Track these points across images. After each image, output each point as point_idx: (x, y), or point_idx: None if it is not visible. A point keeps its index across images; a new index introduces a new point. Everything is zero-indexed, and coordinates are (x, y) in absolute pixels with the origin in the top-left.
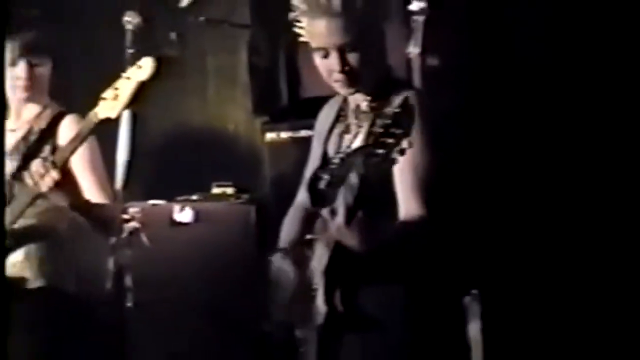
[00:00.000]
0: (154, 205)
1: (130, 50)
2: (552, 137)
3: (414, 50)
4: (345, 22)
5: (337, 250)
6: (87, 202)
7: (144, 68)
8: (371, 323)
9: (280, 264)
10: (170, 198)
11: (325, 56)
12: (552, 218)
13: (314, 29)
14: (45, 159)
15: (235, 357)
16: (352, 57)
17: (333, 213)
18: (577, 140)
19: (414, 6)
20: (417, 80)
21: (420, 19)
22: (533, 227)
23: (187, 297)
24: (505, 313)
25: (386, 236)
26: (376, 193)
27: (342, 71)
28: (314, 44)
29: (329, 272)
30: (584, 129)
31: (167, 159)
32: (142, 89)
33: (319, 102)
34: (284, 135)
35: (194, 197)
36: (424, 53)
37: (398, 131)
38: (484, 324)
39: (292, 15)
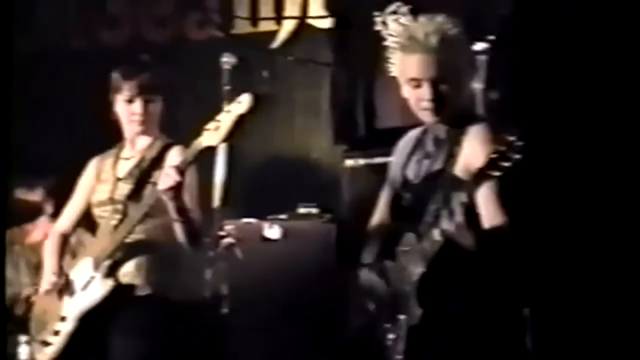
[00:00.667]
0: (246, 223)
1: (227, 87)
2: (605, 163)
3: (478, 85)
4: (439, 57)
5: (445, 251)
6: (187, 210)
7: (243, 103)
8: (455, 325)
9: (367, 275)
10: (261, 217)
11: (417, 87)
12: (609, 235)
13: (409, 63)
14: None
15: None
16: (441, 89)
17: (433, 225)
18: (632, 166)
19: (478, 47)
20: (480, 112)
21: (484, 57)
22: (589, 245)
23: (276, 305)
24: (558, 327)
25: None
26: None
27: (432, 100)
28: (407, 76)
29: (425, 278)
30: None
31: (259, 182)
32: (240, 121)
33: (392, 132)
34: (361, 162)
35: (282, 217)
36: (486, 88)
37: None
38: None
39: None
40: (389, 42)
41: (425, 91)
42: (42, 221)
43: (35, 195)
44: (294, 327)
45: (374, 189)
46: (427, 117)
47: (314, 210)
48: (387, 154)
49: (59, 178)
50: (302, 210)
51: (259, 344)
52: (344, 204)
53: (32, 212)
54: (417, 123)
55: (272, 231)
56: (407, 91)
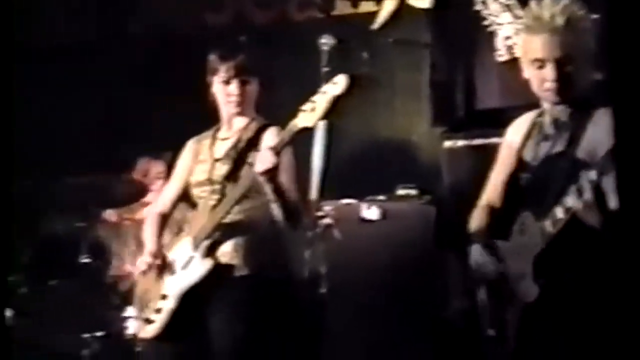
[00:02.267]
0: (345, 204)
1: (326, 69)
2: None
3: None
4: (564, 38)
5: (567, 230)
6: (284, 191)
7: (339, 84)
8: (572, 304)
9: (476, 255)
10: (360, 198)
11: (541, 67)
12: None
13: (533, 43)
14: (268, 148)
15: (418, 340)
16: (566, 70)
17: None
18: None
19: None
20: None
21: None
22: None
23: (373, 285)
24: None
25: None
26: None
27: (556, 81)
28: (530, 57)
29: (543, 256)
30: None
31: (358, 163)
32: (337, 102)
33: (492, 113)
34: (460, 143)
35: (381, 198)
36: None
37: None
38: None
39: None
40: (522, 21)
41: (549, 72)
42: (152, 198)
43: (158, 165)
44: (391, 307)
45: (474, 171)
46: (550, 97)
47: (413, 192)
48: (487, 135)
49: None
50: (401, 192)
51: (356, 323)
52: (443, 186)
53: (142, 190)
54: (519, 104)
55: (371, 212)
56: (529, 72)
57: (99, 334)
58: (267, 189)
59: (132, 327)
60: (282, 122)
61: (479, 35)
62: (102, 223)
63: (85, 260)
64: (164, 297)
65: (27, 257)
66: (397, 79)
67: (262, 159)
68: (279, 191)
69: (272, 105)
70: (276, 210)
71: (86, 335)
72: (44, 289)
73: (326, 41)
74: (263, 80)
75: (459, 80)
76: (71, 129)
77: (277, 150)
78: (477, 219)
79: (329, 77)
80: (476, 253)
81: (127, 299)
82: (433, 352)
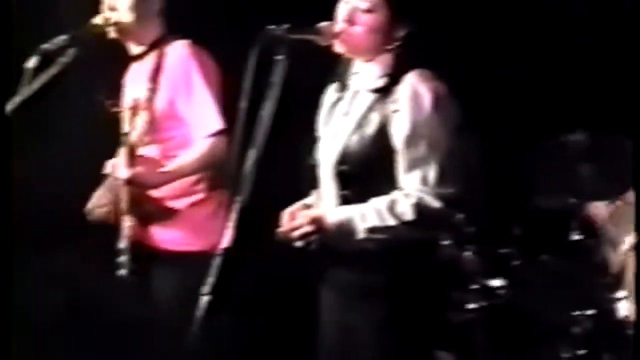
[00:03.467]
0: None
1: None
2: None
3: None
4: None
5: None
6: None
7: None
8: None
9: None
10: None
11: None
12: None
13: None
14: None
15: None
16: None
17: None
18: None
19: None
20: None
21: None
22: None
23: None
24: None
25: None
26: None
27: None
28: None
29: None
30: None
31: None
32: None
33: None
34: None
35: None
36: None
37: None
38: None
39: None
40: None
41: None
42: None
43: None
44: None
45: None
46: None
47: None
48: None
49: None
50: None
51: None
52: None
53: None
54: None
55: None
56: None
57: (589, 312)
58: None
59: (623, 308)
60: None
61: None
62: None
63: (576, 237)
64: None
65: (519, 230)
66: None
67: None
68: None
69: None
70: None
71: (577, 313)
72: (535, 262)
73: None
74: None
75: None
76: None
77: None
78: None
79: None
80: None
81: (619, 279)
82: None
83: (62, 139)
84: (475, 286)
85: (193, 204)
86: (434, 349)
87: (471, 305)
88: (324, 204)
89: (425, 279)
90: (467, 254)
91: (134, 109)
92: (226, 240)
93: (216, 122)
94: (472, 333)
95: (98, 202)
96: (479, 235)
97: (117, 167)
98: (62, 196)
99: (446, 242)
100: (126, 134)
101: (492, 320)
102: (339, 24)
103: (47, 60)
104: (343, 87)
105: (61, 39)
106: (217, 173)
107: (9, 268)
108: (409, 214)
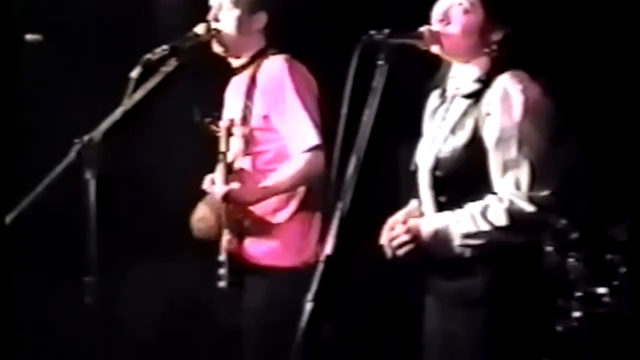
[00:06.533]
0: None
1: None
2: None
3: None
4: None
5: None
6: None
7: None
8: None
9: None
10: None
11: None
12: None
13: None
14: None
15: None
16: None
17: None
18: None
19: None
20: None
21: None
22: None
23: None
24: None
25: None
26: None
27: None
28: None
29: None
30: None
31: None
32: None
33: None
34: None
35: None
36: None
37: None
38: None
39: None
40: None
41: None
42: None
43: None
44: None
45: None
46: None
47: None
48: None
49: None
50: None
51: None
52: None
53: None
54: None
55: None
56: None
57: None
58: None
59: None
60: None
61: None
62: None
63: None
64: None
65: (623, 236)
66: None
67: None
68: None
69: None
70: None
71: None
72: None
73: None
74: None
75: None
76: None
77: None
78: None
79: None
80: None
81: None
82: None
83: (163, 151)
84: (579, 294)
85: (288, 219)
86: (537, 357)
87: (576, 314)
88: (424, 211)
89: (528, 286)
90: (571, 260)
91: (229, 130)
92: (328, 248)
93: (313, 138)
94: (577, 341)
95: (199, 216)
96: (583, 241)
97: (215, 183)
98: (165, 208)
99: (549, 248)
100: (223, 153)
101: (597, 328)
102: (434, 25)
103: (149, 70)
104: (443, 92)
105: (163, 48)
106: (311, 188)
107: (115, 277)
108: (502, 219)
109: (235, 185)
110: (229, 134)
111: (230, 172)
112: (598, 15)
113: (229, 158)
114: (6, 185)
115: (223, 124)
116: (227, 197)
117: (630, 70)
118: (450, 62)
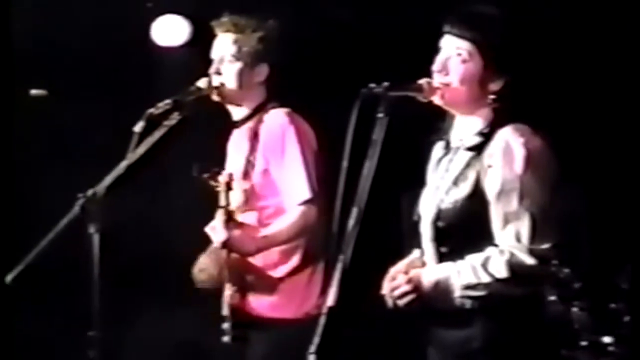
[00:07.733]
0: None
1: None
2: None
3: None
4: None
5: None
6: None
7: None
8: None
9: None
10: None
11: None
12: None
13: None
14: None
15: None
16: None
17: None
18: None
19: None
20: None
21: None
22: None
23: None
24: None
25: None
26: None
27: None
28: None
29: None
30: None
31: None
32: None
33: None
34: None
35: None
36: None
37: None
38: None
39: None
40: None
41: None
42: None
43: None
44: None
45: None
46: None
47: None
48: None
49: None
50: None
51: None
52: None
53: None
54: None
55: None
56: None
57: None
58: None
59: None
60: None
61: None
62: None
63: None
64: None
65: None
66: None
67: None
68: None
69: None
70: None
71: None
72: None
73: None
74: None
75: None
76: None
77: None
78: None
79: None
80: None
81: None
82: None
83: (166, 204)
84: (584, 343)
85: (290, 273)
86: None
87: None
88: (426, 261)
89: (530, 336)
90: (575, 310)
91: (228, 185)
92: (330, 300)
93: (305, 191)
94: None
95: (200, 267)
96: (586, 290)
97: (215, 230)
98: (169, 262)
99: (553, 298)
100: (222, 207)
101: None
102: (434, 76)
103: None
104: (447, 144)
105: (165, 102)
106: (311, 241)
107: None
108: (502, 271)
109: (235, 232)
110: (229, 188)
111: (231, 220)
112: (597, 63)
113: (229, 209)
114: (8, 242)
115: (222, 178)
116: (226, 245)
117: (631, 118)
118: (453, 114)
